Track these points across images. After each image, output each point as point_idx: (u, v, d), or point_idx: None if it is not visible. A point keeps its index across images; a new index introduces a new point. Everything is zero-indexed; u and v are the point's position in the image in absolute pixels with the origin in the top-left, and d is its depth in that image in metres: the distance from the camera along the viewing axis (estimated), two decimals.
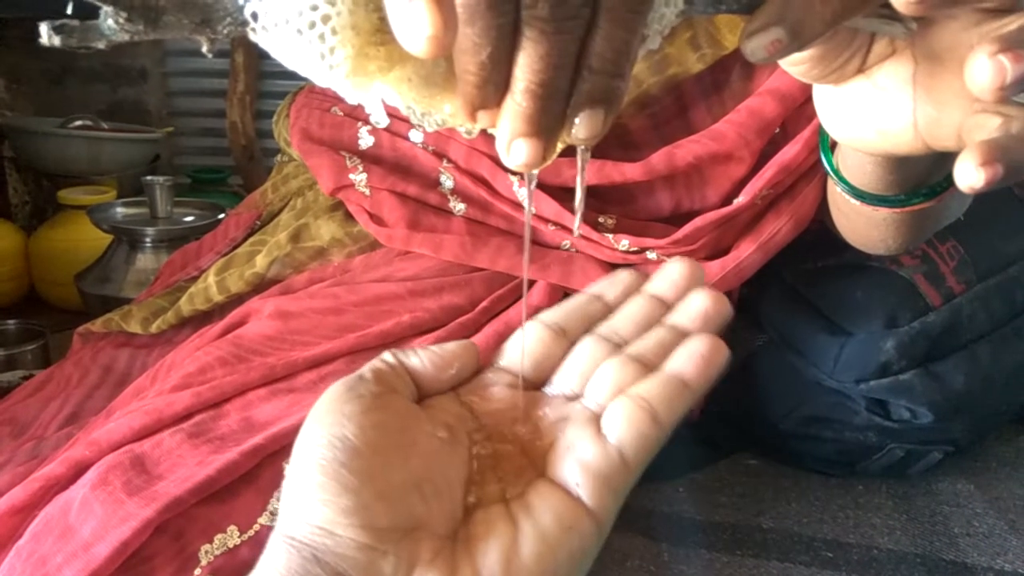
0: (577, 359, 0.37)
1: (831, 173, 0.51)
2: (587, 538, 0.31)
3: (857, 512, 0.76)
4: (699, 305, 0.37)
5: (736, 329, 0.81)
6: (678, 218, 0.71)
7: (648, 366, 0.35)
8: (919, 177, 0.47)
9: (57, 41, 0.26)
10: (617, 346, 0.37)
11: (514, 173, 0.68)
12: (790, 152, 0.66)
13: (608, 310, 0.39)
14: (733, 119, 0.67)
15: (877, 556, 0.70)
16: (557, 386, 0.37)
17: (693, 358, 0.34)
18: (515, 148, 0.29)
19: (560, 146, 0.31)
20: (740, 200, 0.68)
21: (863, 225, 0.57)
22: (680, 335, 0.36)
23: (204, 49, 0.27)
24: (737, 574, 0.68)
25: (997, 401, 0.78)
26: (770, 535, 0.73)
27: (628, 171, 0.68)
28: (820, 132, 0.52)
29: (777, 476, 0.82)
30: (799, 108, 0.66)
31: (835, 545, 0.72)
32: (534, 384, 0.37)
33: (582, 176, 0.35)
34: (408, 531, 0.30)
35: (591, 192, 0.71)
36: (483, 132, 0.32)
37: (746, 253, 0.68)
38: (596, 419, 0.33)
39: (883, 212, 0.50)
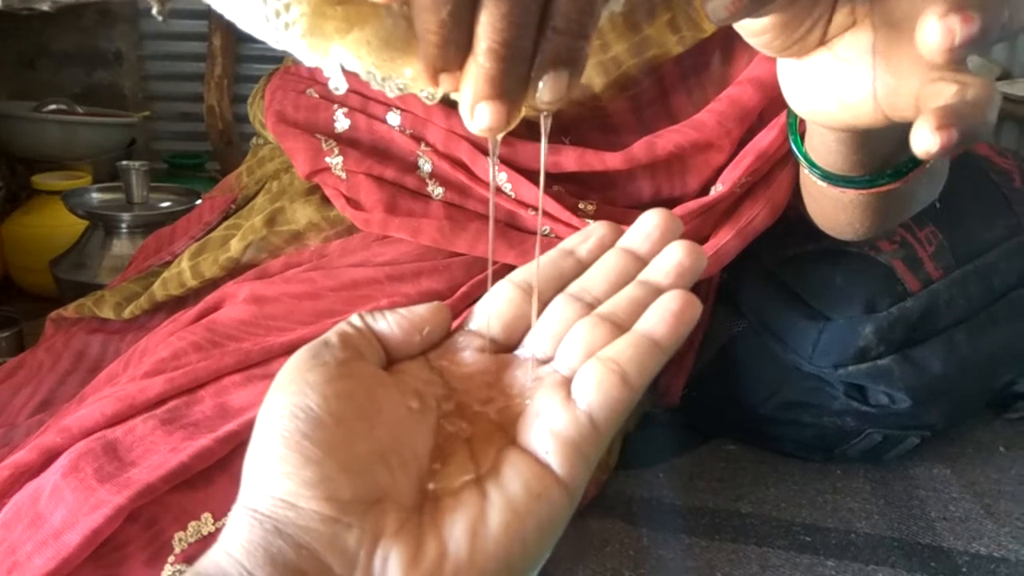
0: (548, 320, 0.36)
1: (799, 155, 0.51)
2: (556, 506, 0.30)
3: (835, 497, 0.77)
4: (674, 258, 0.36)
5: (715, 315, 0.81)
6: (658, 205, 0.70)
7: (620, 326, 0.34)
8: (884, 157, 0.47)
9: None
10: (589, 305, 0.36)
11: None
12: (766, 138, 0.66)
13: (581, 266, 0.38)
14: (714, 108, 0.67)
15: (854, 540, 0.71)
16: (528, 348, 0.36)
17: (665, 316, 0.33)
18: (478, 112, 0.28)
19: (524, 110, 0.30)
20: (720, 188, 0.68)
21: (831, 208, 0.57)
22: (654, 291, 0.35)
23: (154, 11, 0.26)
24: (716, 559, 0.68)
25: (974, 386, 0.79)
26: (749, 520, 0.73)
27: (609, 160, 0.68)
28: (788, 115, 0.52)
29: (756, 461, 0.82)
30: (778, 95, 0.66)
31: (813, 529, 0.72)
32: (505, 346, 0.36)
33: (544, 142, 0.34)
34: (373, 503, 0.29)
35: (571, 178, 0.71)
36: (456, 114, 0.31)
37: (724, 240, 0.68)
38: (566, 384, 0.33)
39: (850, 194, 0.50)
